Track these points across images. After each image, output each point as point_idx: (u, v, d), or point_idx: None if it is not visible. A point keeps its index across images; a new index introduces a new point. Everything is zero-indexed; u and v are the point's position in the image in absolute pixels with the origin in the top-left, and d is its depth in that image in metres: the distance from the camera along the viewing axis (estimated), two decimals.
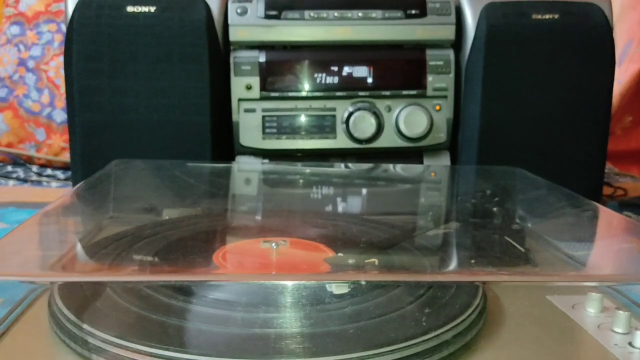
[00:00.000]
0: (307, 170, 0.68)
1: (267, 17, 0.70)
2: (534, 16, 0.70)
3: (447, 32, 0.71)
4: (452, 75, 0.72)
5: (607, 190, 1.01)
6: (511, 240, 0.49)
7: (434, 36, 0.71)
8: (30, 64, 1.12)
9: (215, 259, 0.38)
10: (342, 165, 0.72)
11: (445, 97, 0.72)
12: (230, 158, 0.72)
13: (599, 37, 0.70)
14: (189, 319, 0.30)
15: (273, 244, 0.40)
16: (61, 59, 1.12)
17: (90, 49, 0.67)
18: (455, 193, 0.63)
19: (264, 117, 0.71)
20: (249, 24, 0.70)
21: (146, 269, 0.35)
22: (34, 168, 1.13)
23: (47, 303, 0.34)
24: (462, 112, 0.73)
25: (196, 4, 0.68)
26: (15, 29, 1.14)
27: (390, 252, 0.41)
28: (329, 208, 0.57)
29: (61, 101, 1.12)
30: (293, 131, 0.72)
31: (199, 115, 0.68)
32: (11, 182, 1.05)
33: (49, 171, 1.13)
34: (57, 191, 1.01)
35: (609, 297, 0.39)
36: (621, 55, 1.24)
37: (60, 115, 1.12)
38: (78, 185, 0.54)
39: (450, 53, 0.72)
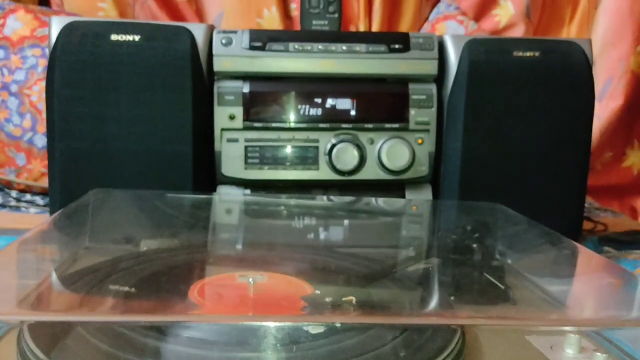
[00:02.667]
0: (289, 202, 0.68)
1: (252, 48, 0.70)
2: (515, 53, 0.71)
3: (430, 67, 0.72)
4: (434, 109, 0.73)
5: (587, 225, 1.01)
6: (491, 277, 0.49)
7: (417, 71, 0.72)
8: (14, 88, 1.12)
9: (191, 295, 0.38)
10: (324, 197, 0.71)
11: (427, 130, 0.73)
12: (212, 188, 0.72)
13: (579, 75, 0.71)
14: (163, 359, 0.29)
15: (250, 279, 0.40)
16: (44, 83, 1.12)
17: (73, 76, 0.66)
18: (436, 228, 0.63)
19: (246, 147, 0.71)
20: (233, 55, 0.70)
21: (119, 307, 0.34)
22: (13, 193, 1.12)
23: (16, 339, 0.33)
24: (444, 146, 0.73)
25: (181, 34, 0.68)
26: None
27: (369, 289, 0.40)
28: (310, 241, 0.57)
29: (43, 126, 1.11)
30: (276, 162, 0.71)
31: (181, 144, 0.68)
32: None
33: (28, 196, 1.11)
34: (35, 217, 0.99)
35: (587, 338, 0.39)
36: (601, 92, 1.26)
37: (42, 140, 1.11)
38: (55, 214, 0.54)
39: (433, 87, 0.73)
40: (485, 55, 0.70)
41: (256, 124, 0.71)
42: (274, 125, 0.71)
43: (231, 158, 0.71)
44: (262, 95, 0.71)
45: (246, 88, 0.71)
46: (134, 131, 0.68)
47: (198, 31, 0.70)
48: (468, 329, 0.37)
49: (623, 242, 0.94)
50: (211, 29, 0.71)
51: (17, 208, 1.03)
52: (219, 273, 0.45)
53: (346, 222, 0.66)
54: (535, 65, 0.70)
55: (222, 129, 0.71)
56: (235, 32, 0.71)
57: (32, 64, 1.13)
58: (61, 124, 0.67)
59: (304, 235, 0.59)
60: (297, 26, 1.28)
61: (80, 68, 0.66)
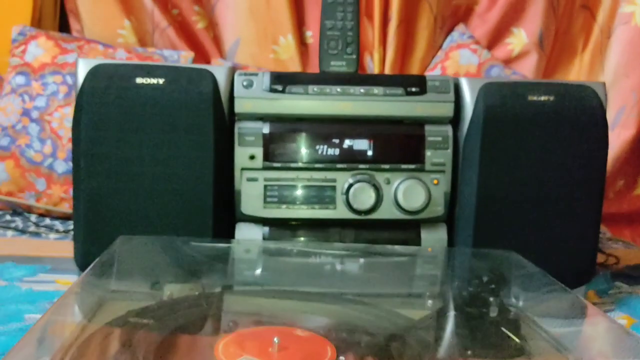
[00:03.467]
0: (308, 251, 0.69)
1: (272, 90, 0.72)
2: (530, 98, 0.72)
3: (446, 110, 0.74)
4: (450, 150, 0.74)
5: (599, 258, 1.02)
6: (507, 331, 0.50)
7: (433, 113, 0.74)
8: (34, 114, 1.14)
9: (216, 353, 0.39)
10: (341, 244, 0.72)
11: (443, 171, 0.74)
12: (231, 225, 0.73)
13: (592, 119, 0.72)
14: None
15: (275, 339, 0.41)
16: (65, 110, 1.14)
17: (99, 118, 0.68)
18: (453, 278, 0.64)
19: (265, 186, 0.73)
20: (254, 97, 0.72)
21: None
22: (33, 217, 1.14)
23: None
24: (460, 187, 0.74)
25: (203, 77, 0.70)
26: (20, 79, 1.16)
27: (390, 349, 0.42)
28: (331, 290, 0.58)
29: (63, 152, 1.13)
30: (294, 201, 0.73)
31: (202, 184, 0.70)
32: (9, 233, 1.05)
33: (47, 221, 1.13)
34: (55, 245, 1.01)
35: None
36: (614, 121, 1.27)
37: (62, 166, 1.13)
38: (85, 273, 0.55)
39: (449, 129, 0.74)
40: (501, 99, 0.72)
41: (275, 164, 0.73)
42: (292, 165, 0.73)
43: (250, 197, 0.73)
44: (282, 136, 0.73)
45: (266, 129, 0.72)
46: (157, 171, 0.69)
47: (220, 73, 0.71)
48: None
49: (634, 277, 0.95)
50: (232, 70, 0.73)
51: (37, 234, 1.05)
52: (243, 325, 0.46)
53: (364, 269, 0.67)
54: (550, 109, 0.72)
55: (242, 169, 0.73)
56: (256, 74, 0.72)
57: (52, 91, 1.15)
58: (87, 164, 0.69)
59: (326, 285, 0.60)
60: (312, 52, 1.30)
61: (106, 111, 0.68)
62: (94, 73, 0.69)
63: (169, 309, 0.48)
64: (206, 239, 0.68)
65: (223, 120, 0.71)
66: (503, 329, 0.50)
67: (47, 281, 0.84)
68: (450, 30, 1.30)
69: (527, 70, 1.28)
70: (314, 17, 1.28)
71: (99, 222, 0.69)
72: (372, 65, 1.28)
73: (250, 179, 0.73)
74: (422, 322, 0.48)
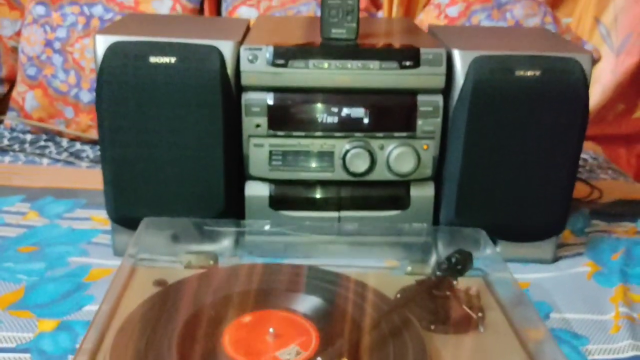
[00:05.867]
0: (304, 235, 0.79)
1: (275, 65, 0.77)
2: (517, 72, 0.77)
3: (438, 82, 0.79)
4: (439, 119, 0.80)
5: (583, 191, 1.10)
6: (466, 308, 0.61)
7: (426, 85, 0.79)
8: (57, 45, 1.20)
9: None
10: (335, 225, 0.82)
11: (432, 138, 0.81)
12: (241, 184, 0.83)
13: (575, 94, 0.77)
14: None
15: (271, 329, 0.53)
16: (85, 41, 1.20)
17: (118, 95, 0.76)
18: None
19: (270, 151, 0.81)
20: (258, 71, 0.78)
21: None
22: (64, 142, 1.24)
23: None
24: (447, 151, 0.82)
25: (212, 54, 0.76)
26: (40, 9, 1.21)
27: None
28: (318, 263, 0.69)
29: (87, 82, 1.20)
30: (296, 164, 0.81)
31: (213, 151, 0.78)
32: (45, 161, 1.16)
33: (78, 146, 1.23)
34: (87, 174, 1.11)
35: None
36: (620, 47, 1.28)
37: (87, 96, 1.21)
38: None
39: (440, 99, 0.80)
40: (489, 74, 0.77)
41: (279, 132, 0.80)
42: (294, 133, 0.80)
43: (257, 160, 0.81)
44: (284, 107, 0.79)
45: (270, 100, 0.79)
46: (172, 140, 0.78)
47: (227, 48, 0.77)
48: None
49: (613, 214, 1.03)
50: (239, 45, 0.78)
51: (71, 163, 1.16)
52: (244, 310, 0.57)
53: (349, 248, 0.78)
54: (535, 84, 0.77)
55: (250, 136, 0.80)
56: (260, 48, 0.77)
57: (72, 22, 1.20)
58: (110, 135, 0.77)
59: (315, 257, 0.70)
60: None
61: (123, 88, 0.75)
62: (111, 52, 0.75)
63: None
64: (221, 220, 0.77)
65: (230, 93, 0.78)
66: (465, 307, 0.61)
67: (84, 218, 0.96)
68: None
69: None
70: None
71: (124, 183, 0.79)
72: None
73: (256, 145, 0.81)
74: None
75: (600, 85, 1.29)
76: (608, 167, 1.23)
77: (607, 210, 1.04)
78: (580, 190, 1.09)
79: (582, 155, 1.15)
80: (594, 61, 1.28)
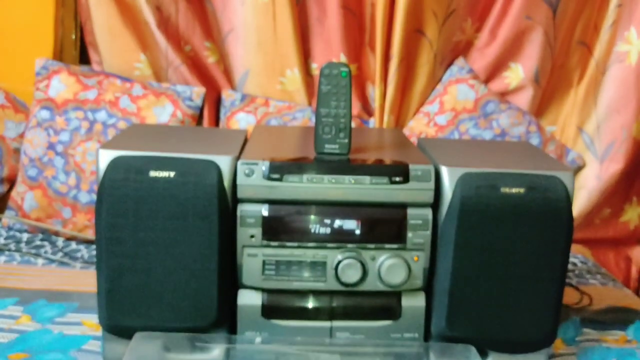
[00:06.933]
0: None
1: (270, 179, 0.81)
2: (502, 189, 0.80)
3: (426, 197, 0.82)
4: (429, 232, 0.83)
5: (573, 297, 1.11)
6: None
7: (415, 199, 0.82)
8: (59, 148, 1.24)
9: None
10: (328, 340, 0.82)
11: (422, 249, 0.83)
12: (233, 293, 0.84)
13: (558, 211, 0.80)
14: None
15: None
16: (87, 145, 1.24)
17: (117, 207, 0.78)
18: None
19: (264, 261, 0.82)
20: (254, 185, 0.81)
21: None
22: (60, 242, 1.25)
23: None
24: (437, 262, 0.83)
25: (210, 169, 0.79)
26: (45, 114, 1.26)
27: None
28: None
29: (86, 184, 1.23)
30: (289, 274, 0.83)
31: (208, 262, 0.79)
32: (40, 261, 1.17)
33: (73, 245, 1.25)
34: (81, 275, 1.12)
35: None
36: (603, 154, 1.33)
37: (85, 197, 1.24)
38: None
39: (429, 213, 0.83)
40: (476, 190, 0.80)
41: (272, 243, 0.82)
42: (288, 244, 0.82)
43: (251, 270, 0.83)
44: (279, 218, 0.82)
45: (265, 212, 0.81)
46: (168, 252, 0.79)
47: (224, 163, 0.80)
48: None
49: (603, 322, 1.04)
50: (236, 160, 0.81)
51: (66, 264, 1.16)
52: None
53: None
54: (520, 202, 0.80)
55: (244, 246, 0.82)
56: (256, 163, 0.81)
57: (75, 126, 1.25)
58: (107, 246, 0.79)
59: None
60: (317, 83, 1.36)
61: (123, 201, 0.78)
62: (113, 166, 0.78)
63: None
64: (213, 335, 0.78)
65: (227, 205, 0.80)
66: None
67: (75, 322, 0.96)
68: (450, 63, 1.36)
69: (522, 103, 1.34)
70: (319, 50, 1.34)
71: (118, 293, 0.80)
72: (374, 95, 1.34)
73: (250, 255, 0.82)
74: None
75: (586, 190, 1.33)
76: (597, 272, 1.25)
77: (598, 318, 1.04)
78: (570, 296, 1.10)
79: (571, 259, 1.17)
80: (579, 168, 1.33)
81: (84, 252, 1.23)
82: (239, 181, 0.81)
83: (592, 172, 1.33)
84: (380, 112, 1.32)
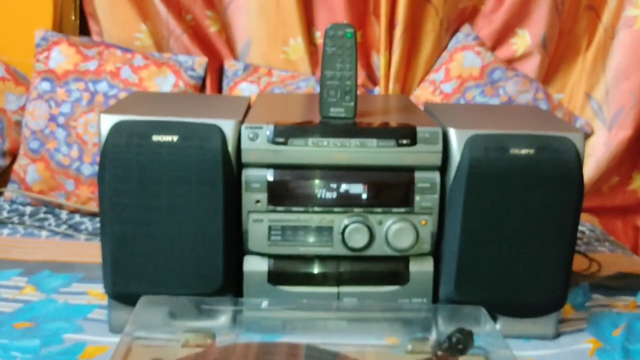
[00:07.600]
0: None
1: (275, 143, 0.79)
2: (512, 151, 0.78)
3: (434, 159, 0.80)
4: (437, 195, 0.81)
5: (582, 264, 1.10)
6: None
7: (422, 162, 0.81)
8: (60, 120, 1.22)
9: None
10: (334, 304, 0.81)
11: (430, 213, 0.82)
12: (239, 259, 0.83)
13: (568, 173, 0.78)
14: None
15: None
16: (89, 116, 1.23)
17: (121, 173, 0.77)
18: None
19: (269, 226, 0.81)
20: (259, 149, 0.79)
21: None
22: (64, 214, 1.24)
23: None
24: (446, 226, 0.82)
25: (213, 133, 0.78)
26: (46, 85, 1.24)
27: None
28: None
29: (89, 156, 1.22)
30: (295, 239, 0.82)
31: (213, 227, 0.78)
32: (44, 233, 1.16)
33: (77, 218, 1.24)
34: (85, 247, 1.11)
35: None
36: (612, 121, 1.32)
37: (88, 169, 1.22)
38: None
39: (437, 176, 0.81)
40: (484, 152, 0.78)
41: (278, 208, 0.81)
42: (294, 209, 0.81)
43: (256, 235, 0.82)
44: (284, 183, 0.81)
45: (270, 177, 0.80)
46: (172, 217, 0.78)
47: (228, 127, 0.79)
48: None
49: (613, 288, 1.03)
50: (240, 124, 0.80)
51: (69, 236, 1.16)
52: None
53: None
54: (529, 163, 0.78)
55: (249, 211, 0.81)
56: (260, 127, 0.79)
57: (76, 97, 1.23)
58: (111, 212, 0.78)
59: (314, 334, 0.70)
60: (321, 52, 1.34)
61: (127, 166, 0.77)
62: (115, 130, 0.77)
63: None
64: (219, 298, 0.77)
65: (231, 170, 0.79)
66: None
67: (81, 292, 0.95)
68: (456, 30, 1.33)
69: (530, 70, 1.31)
70: (323, 18, 1.31)
71: (123, 260, 0.79)
72: (379, 63, 1.32)
73: (256, 220, 0.81)
74: None
75: (594, 158, 1.31)
76: (605, 240, 1.24)
77: (607, 283, 1.03)
78: (579, 263, 1.09)
79: (580, 228, 1.16)
80: (587, 135, 1.31)
81: (88, 224, 1.22)
82: (243, 145, 0.79)
83: (600, 139, 1.32)
84: (386, 81, 1.30)
